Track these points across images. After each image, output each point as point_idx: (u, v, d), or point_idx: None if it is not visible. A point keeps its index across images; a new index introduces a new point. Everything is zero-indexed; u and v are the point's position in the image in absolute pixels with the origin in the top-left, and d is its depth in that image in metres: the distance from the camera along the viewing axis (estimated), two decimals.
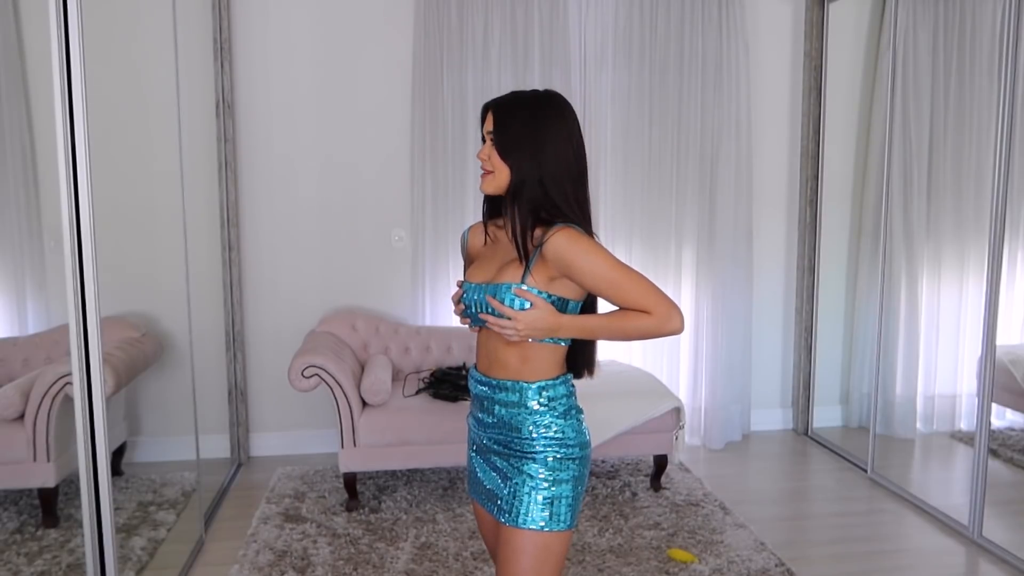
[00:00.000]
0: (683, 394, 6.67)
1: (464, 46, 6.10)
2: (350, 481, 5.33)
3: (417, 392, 5.58)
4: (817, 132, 6.70)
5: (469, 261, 2.96)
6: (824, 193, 6.72)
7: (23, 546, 4.40)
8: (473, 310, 2.72)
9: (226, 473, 5.95)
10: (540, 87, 2.71)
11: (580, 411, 2.77)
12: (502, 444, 2.73)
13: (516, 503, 2.65)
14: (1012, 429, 5.51)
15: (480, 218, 2.99)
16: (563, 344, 2.70)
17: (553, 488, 2.64)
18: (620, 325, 2.59)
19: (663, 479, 5.76)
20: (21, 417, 4.23)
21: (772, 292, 6.92)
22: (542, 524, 2.62)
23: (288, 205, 6.25)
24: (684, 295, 6.59)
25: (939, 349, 6.14)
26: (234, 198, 6.05)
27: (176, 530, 4.92)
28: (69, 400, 3.67)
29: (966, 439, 5.83)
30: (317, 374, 5.16)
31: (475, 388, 2.81)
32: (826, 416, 6.87)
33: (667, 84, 6.36)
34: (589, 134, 6.32)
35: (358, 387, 5.29)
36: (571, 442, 2.68)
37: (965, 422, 6.01)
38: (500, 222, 2.80)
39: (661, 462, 5.62)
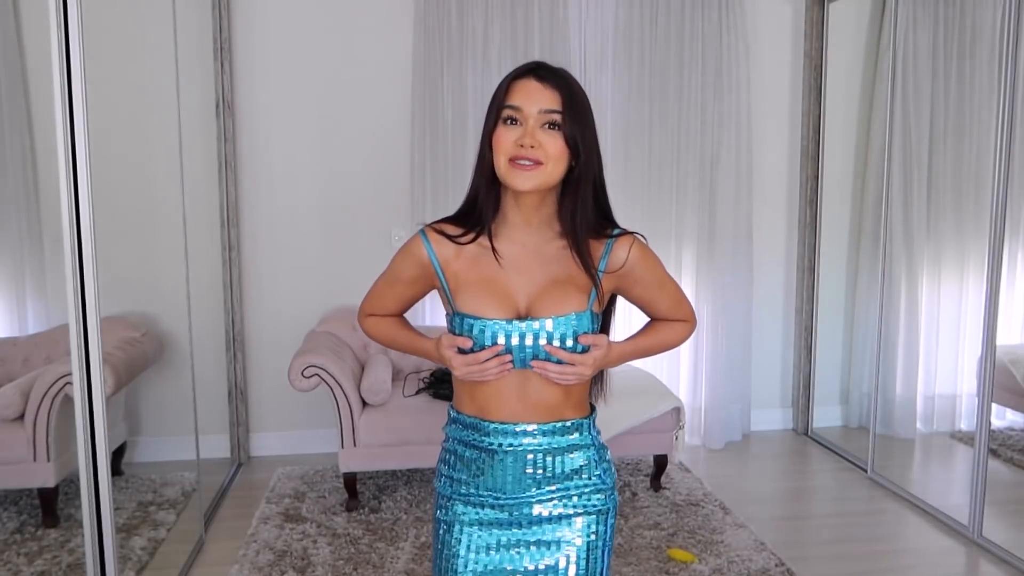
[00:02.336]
0: (683, 394, 6.67)
1: (464, 46, 6.09)
2: (350, 481, 5.33)
3: (417, 392, 5.58)
4: (817, 132, 6.69)
5: (452, 285, 2.26)
6: (824, 193, 6.71)
7: (23, 546, 4.40)
8: (513, 353, 2.15)
9: (226, 473, 5.95)
10: (562, 69, 2.17)
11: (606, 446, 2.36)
12: (551, 502, 2.23)
13: (591, 567, 2.24)
14: (1012, 429, 5.52)
15: (442, 221, 2.37)
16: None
17: (603, 542, 2.27)
18: (661, 340, 2.36)
19: (663, 479, 5.75)
20: (21, 417, 4.24)
21: (772, 292, 6.92)
22: None
23: (288, 205, 6.25)
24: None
25: (939, 349, 6.15)
26: (234, 198, 6.05)
27: (176, 530, 4.92)
28: (69, 400, 3.67)
29: (966, 439, 5.83)
30: (317, 374, 5.16)
31: (494, 442, 2.23)
32: (826, 416, 6.87)
33: (667, 84, 6.35)
34: None
35: (358, 387, 5.29)
36: (611, 484, 2.31)
37: (965, 422, 6.01)
38: (504, 231, 2.24)
39: (661, 462, 5.62)
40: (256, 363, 6.31)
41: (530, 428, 2.19)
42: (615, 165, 6.41)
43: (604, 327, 2.35)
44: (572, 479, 2.22)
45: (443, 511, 2.35)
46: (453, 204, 6.21)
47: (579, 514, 2.23)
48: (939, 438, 6.27)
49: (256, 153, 6.18)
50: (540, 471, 2.21)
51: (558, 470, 2.22)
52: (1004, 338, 4.86)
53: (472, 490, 2.28)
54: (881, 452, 5.98)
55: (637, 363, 6.40)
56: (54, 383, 4.19)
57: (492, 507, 2.26)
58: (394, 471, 5.89)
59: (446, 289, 2.26)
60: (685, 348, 6.64)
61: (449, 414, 2.35)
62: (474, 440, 2.25)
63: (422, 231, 2.31)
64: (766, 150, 6.76)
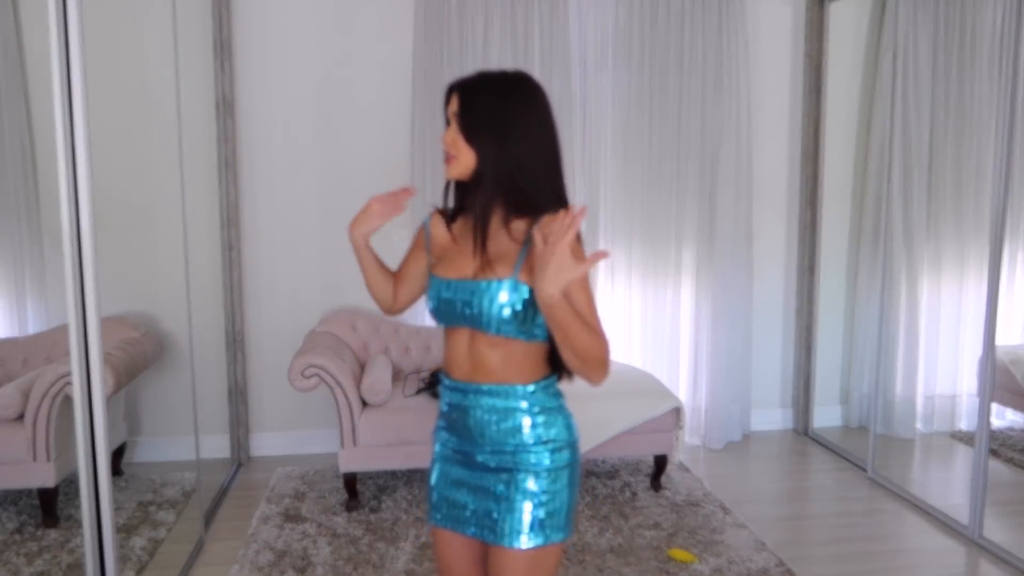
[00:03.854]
0: (683, 394, 6.66)
1: (464, 46, 6.08)
2: (350, 481, 5.33)
3: (417, 392, 5.58)
4: (817, 132, 6.68)
5: (435, 255, 2.69)
6: (824, 193, 6.70)
7: (23, 546, 4.40)
8: (445, 308, 2.51)
9: (226, 473, 5.94)
10: (553, 92, 2.59)
11: (568, 412, 2.59)
12: (494, 455, 2.53)
13: (512, 521, 2.47)
14: (1012, 429, 5.52)
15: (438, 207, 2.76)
16: (544, 342, 2.50)
17: (551, 499, 2.48)
18: (588, 330, 2.31)
19: (663, 479, 5.76)
20: (21, 417, 4.24)
21: (772, 292, 6.92)
22: (541, 540, 2.46)
23: (288, 205, 6.25)
24: (684, 295, 6.59)
25: (939, 349, 6.15)
26: (234, 198, 6.04)
27: (176, 530, 4.93)
28: (69, 400, 3.67)
29: (966, 439, 5.83)
30: (317, 374, 5.16)
31: (452, 397, 2.58)
32: (826, 416, 6.87)
33: (667, 85, 6.35)
34: (589, 135, 6.32)
35: (358, 387, 5.28)
36: (563, 445, 2.52)
37: (965, 422, 6.03)
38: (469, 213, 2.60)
39: (661, 462, 5.62)
40: (256, 363, 6.31)
41: (476, 387, 2.51)
42: (615, 166, 6.41)
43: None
44: (510, 438, 2.50)
45: (436, 461, 2.71)
46: (452, 205, 6.21)
47: (517, 470, 2.50)
48: (939, 438, 6.27)
49: (256, 153, 6.17)
50: (483, 427, 2.52)
51: (497, 428, 2.50)
52: (1004, 338, 4.86)
53: (443, 434, 2.67)
54: (881, 452, 5.97)
55: (636, 363, 6.42)
56: (54, 383, 4.19)
57: (452, 450, 2.64)
58: (394, 471, 5.89)
59: (428, 253, 2.73)
60: (685, 348, 6.66)
61: (439, 376, 2.72)
62: (444, 395, 2.62)
63: (430, 215, 2.77)
64: (766, 150, 6.76)
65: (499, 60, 6.08)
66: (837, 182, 6.73)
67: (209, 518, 5.23)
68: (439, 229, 2.70)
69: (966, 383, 5.91)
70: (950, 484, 5.87)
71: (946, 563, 4.74)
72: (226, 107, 5.95)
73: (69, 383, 3.59)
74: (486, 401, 2.50)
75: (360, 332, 6.06)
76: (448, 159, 2.48)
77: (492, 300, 2.41)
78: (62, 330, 3.51)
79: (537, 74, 6.11)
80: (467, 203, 2.59)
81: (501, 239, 2.48)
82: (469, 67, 6.09)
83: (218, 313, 6.03)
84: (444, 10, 6.03)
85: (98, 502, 3.61)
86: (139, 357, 5.02)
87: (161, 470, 5.55)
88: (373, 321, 6.12)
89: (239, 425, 6.23)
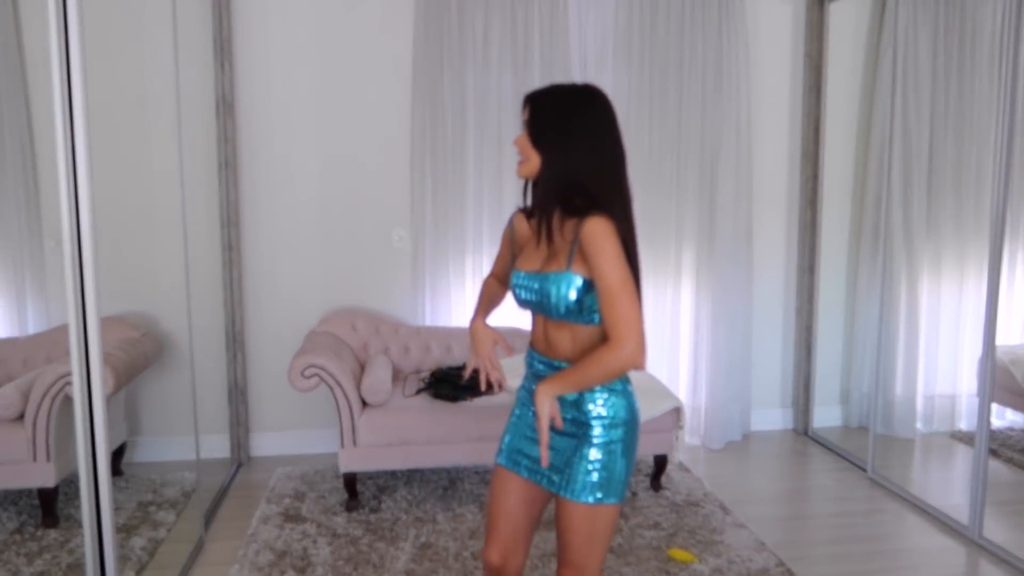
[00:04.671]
0: (683, 394, 6.67)
1: (464, 46, 6.09)
2: (350, 481, 5.33)
3: (417, 392, 5.58)
4: (817, 132, 6.69)
5: (518, 247, 3.08)
6: (824, 193, 6.71)
7: (23, 546, 4.40)
8: (523, 296, 2.91)
9: (226, 473, 5.95)
10: (548, 87, 2.86)
11: (631, 393, 2.94)
12: (568, 422, 2.90)
13: (573, 479, 2.85)
14: (1012, 429, 5.52)
15: (513, 208, 3.18)
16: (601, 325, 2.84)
17: (603, 467, 2.85)
18: (587, 368, 2.73)
19: (663, 479, 5.76)
20: (21, 417, 4.24)
21: (772, 292, 6.92)
22: (596, 499, 2.84)
23: (288, 205, 6.24)
24: (684, 295, 6.59)
25: (939, 349, 6.15)
26: (234, 198, 6.04)
27: (176, 530, 4.93)
28: (69, 400, 3.67)
29: (966, 439, 5.83)
30: (317, 374, 5.16)
31: (536, 367, 3.01)
32: (826, 416, 6.87)
33: (667, 85, 6.35)
34: None
35: (358, 387, 5.28)
36: (619, 423, 2.88)
37: (965, 422, 6.02)
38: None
39: (661, 462, 5.62)
40: (256, 363, 6.31)
41: (552, 362, 2.93)
42: None
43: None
44: (574, 410, 2.89)
45: (516, 408, 3.17)
46: (453, 203, 6.26)
47: (578, 438, 2.89)
48: (939, 438, 6.27)
49: (256, 153, 6.17)
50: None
51: (564, 400, 2.89)
52: (1004, 338, 4.86)
53: (525, 393, 3.13)
54: (881, 452, 5.98)
55: None
56: (54, 383, 4.19)
57: (530, 409, 3.09)
58: (394, 471, 5.90)
59: (513, 246, 3.13)
60: (685, 348, 6.66)
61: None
62: (531, 362, 3.06)
63: (513, 213, 3.16)
64: (766, 150, 6.76)
65: (499, 60, 6.09)
66: (837, 182, 6.73)
67: (209, 518, 5.23)
68: (522, 225, 3.08)
69: (966, 383, 5.91)
70: (950, 484, 5.87)
71: (946, 563, 4.74)
72: (226, 107, 5.95)
73: (69, 383, 3.59)
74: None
75: (360, 332, 6.06)
76: (520, 161, 2.83)
77: (554, 290, 2.79)
78: (62, 330, 3.51)
79: (537, 75, 6.12)
80: (533, 202, 2.91)
81: (559, 235, 2.84)
82: (469, 67, 6.10)
83: (218, 313, 6.03)
84: (444, 10, 6.04)
85: (98, 502, 3.61)
86: (139, 357, 5.02)
87: (161, 470, 5.55)
88: (373, 321, 6.12)
89: (239, 425, 6.23)
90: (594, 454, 2.85)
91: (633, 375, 5.78)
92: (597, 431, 2.86)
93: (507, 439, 3.13)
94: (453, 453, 5.28)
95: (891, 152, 5.90)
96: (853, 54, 6.61)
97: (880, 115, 6.16)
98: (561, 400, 2.90)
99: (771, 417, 7.04)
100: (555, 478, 2.92)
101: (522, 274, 2.92)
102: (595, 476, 2.83)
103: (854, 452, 6.26)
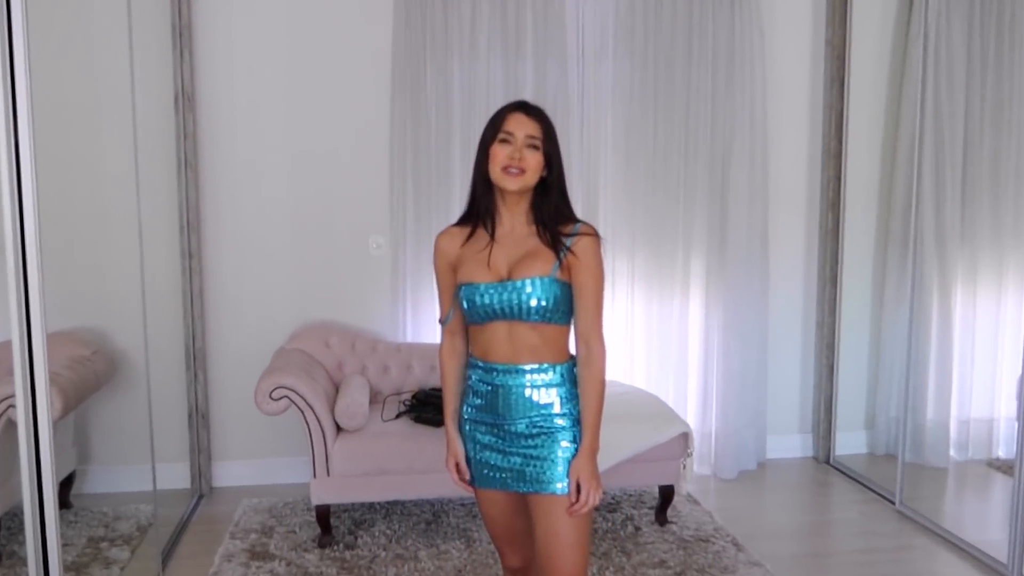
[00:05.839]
0: (691, 418, 6.68)
1: (449, 35, 6.12)
2: (323, 514, 5.34)
3: (397, 416, 5.60)
4: (840, 128, 6.70)
5: (454, 267, 3.32)
6: (848, 195, 6.71)
7: None
8: (486, 303, 3.16)
9: (186, 505, 5.96)
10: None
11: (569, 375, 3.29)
12: (529, 424, 3.21)
13: (551, 472, 3.17)
14: None
15: (450, 224, 3.42)
16: (568, 326, 3.24)
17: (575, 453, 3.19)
18: (588, 402, 3.19)
19: (669, 512, 5.77)
20: None
21: (790, 305, 6.95)
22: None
23: (255, 208, 6.27)
24: (692, 308, 6.62)
25: (975, 368, 6.16)
26: (195, 200, 6.05)
27: (131, 568, 4.93)
28: (12, 425, 3.68)
29: (1004, 467, 5.86)
30: (287, 396, 5.17)
31: (489, 378, 3.26)
32: (850, 442, 6.88)
33: (674, 76, 6.38)
34: (587, 132, 6.37)
35: (332, 410, 5.30)
36: (575, 406, 3.24)
37: (1003, 448, 6.04)
38: (497, 220, 3.26)
39: (667, 493, 5.64)
40: (219, 383, 6.32)
41: (517, 368, 3.19)
42: (616, 166, 6.45)
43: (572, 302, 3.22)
44: (543, 410, 3.20)
45: (464, 426, 3.38)
46: (435, 208, 6.28)
47: (551, 433, 3.20)
48: (975, 466, 6.30)
49: (219, 151, 6.19)
50: (522, 402, 3.21)
51: (533, 402, 3.20)
52: None
53: (474, 411, 3.33)
54: (911, 482, 5.99)
55: (639, 383, 6.43)
56: None
57: (486, 424, 3.29)
58: (372, 504, 5.90)
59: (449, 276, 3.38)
60: (694, 367, 6.68)
61: (469, 361, 3.37)
62: (480, 376, 3.28)
63: (437, 238, 3.41)
64: (783, 148, 6.79)
65: (488, 50, 6.12)
66: (862, 183, 6.76)
67: (167, 555, 5.24)
68: (451, 243, 3.35)
69: (1005, 406, 5.92)
70: (987, 517, 5.89)
71: None
72: (186, 99, 5.97)
73: (12, 406, 3.60)
74: (526, 379, 3.19)
75: (334, 349, 6.07)
76: (517, 173, 3.13)
77: (532, 295, 3.11)
78: (4, 347, 3.52)
79: (530, 66, 6.16)
80: (481, 209, 3.27)
81: (532, 240, 3.20)
82: (455, 57, 6.12)
83: (177, 328, 6.04)
84: None
85: (44, 537, 3.62)
86: (89, 377, 5.03)
87: (114, 502, 5.55)
88: (348, 337, 6.15)
89: (200, 452, 6.24)
90: (565, 444, 3.18)
91: (636, 396, 5.81)
92: (566, 424, 3.20)
93: (471, 465, 3.39)
94: (437, 484, 5.27)
95: (921, 149, 5.93)
96: (880, 41, 6.64)
97: (910, 109, 6.18)
98: (526, 400, 3.21)
99: (789, 443, 7.06)
100: (529, 479, 3.21)
101: (482, 286, 3.17)
102: (566, 462, 3.17)
103: (881, 482, 6.27)
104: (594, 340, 3.18)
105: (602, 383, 3.18)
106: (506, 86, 6.14)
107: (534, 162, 3.14)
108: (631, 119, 6.39)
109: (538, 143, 3.15)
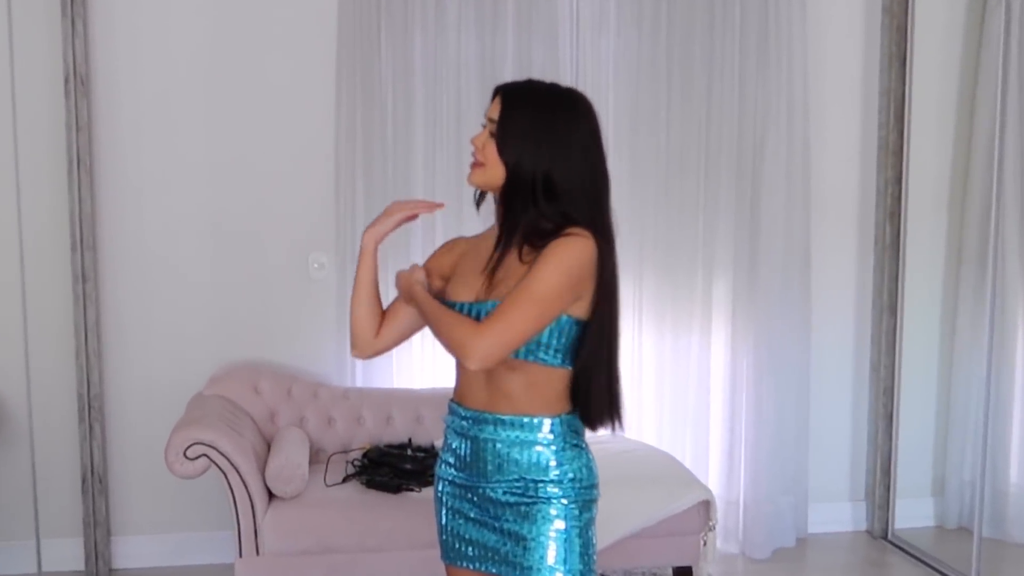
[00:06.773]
0: (713, 482, 6.64)
1: (409, 3, 6.11)
2: None
3: (344, 480, 5.62)
4: (901, 119, 6.65)
5: (449, 269, 3.35)
6: (911, 203, 6.66)
7: None
8: None
9: None
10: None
11: (590, 453, 3.22)
12: (511, 491, 3.11)
13: (533, 558, 3.06)
14: None
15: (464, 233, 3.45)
16: (567, 370, 3.11)
17: (579, 532, 3.09)
18: (451, 318, 3.07)
19: None
20: None
21: (838, 340, 6.96)
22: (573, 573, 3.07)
23: (165, 220, 6.24)
24: (716, 345, 6.63)
25: None
26: (89, 209, 6.00)
27: None
28: None
29: None
30: (205, 454, 5.18)
31: (463, 428, 3.21)
32: (913, 513, 6.86)
33: (691, 54, 6.39)
34: None
35: (262, 472, 5.32)
36: (586, 483, 3.15)
37: None
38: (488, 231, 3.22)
39: (685, 575, 5.68)
40: (120, 439, 6.31)
41: (495, 417, 3.10)
42: (619, 165, 6.33)
43: (590, 334, 3.09)
44: (530, 474, 3.09)
45: (437, 485, 3.36)
46: None
47: (539, 503, 3.08)
48: None
49: (121, 147, 6.17)
50: (500, 461, 3.11)
51: (516, 463, 3.10)
52: None
53: (448, 469, 3.27)
54: (989, 561, 6.00)
55: (649, 439, 6.43)
56: None
57: (459, 486, 3.24)
58: None
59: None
60: (717, 419, 6.68)
61: (448, 405, 3.32)
62: (455, 424, 3.25)
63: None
64: (828, 143, 6.80)
65: (459, 19, 6.14)
66: (929, 187, 6.77)
67: None
68: (458, 244, 3.43)
69: None
70: None
71: None
72: (79, 82, 5.93)
73: None
74: (505, 433, 3.11)
75: (265, 396, 6.07)
76: (474, 164, 3.10)
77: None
78: None
79: (511, 39, 6.14)
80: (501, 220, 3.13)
81: (512, 259, 3.06)
82: (416, 31, 6.14)
83: (68, 370, 6.03)
84: None
85: None
86: None
87: None
88: (283, 381, 6.16)
89: (97, 526, 6.24)
90: (559, 524, 3.07)
91: (647, 455, 5.84)
92: (564, 491, 3.08)
93: (443, 536, 3.35)
94: (393, 563, 5.30)
95: (1003, 145, 5.93)
96: (951, 11, 6.66)
97: (988, 95, 6.20)
98: (505, 459, 3.11)
99: (837, 514, 7.07)
100: (506, 560, 3.13)
101: (457, 304, 3.14)
102: (569, 546, 3.08)
103: (952, 562, 6.26)
104: (489, 332, 2.92)
105: (457, 334, 2.98)
106: (481, 66, 6.14)
107: (491, 154, 3.04)
108: (637, 105, 6.40)
109: (494, 130, 3.05)
